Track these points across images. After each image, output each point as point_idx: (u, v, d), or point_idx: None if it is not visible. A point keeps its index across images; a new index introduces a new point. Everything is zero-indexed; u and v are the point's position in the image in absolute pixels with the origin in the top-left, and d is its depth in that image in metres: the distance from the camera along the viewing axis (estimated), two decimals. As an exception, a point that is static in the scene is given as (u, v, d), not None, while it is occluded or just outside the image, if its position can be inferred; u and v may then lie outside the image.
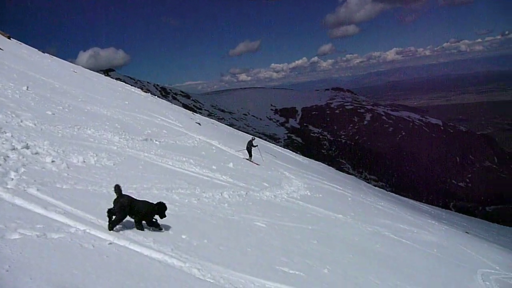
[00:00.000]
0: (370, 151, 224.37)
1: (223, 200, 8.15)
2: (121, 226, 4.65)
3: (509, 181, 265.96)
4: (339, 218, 11.68)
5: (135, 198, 4.85)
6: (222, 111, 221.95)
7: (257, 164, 18.40)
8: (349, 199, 19.07)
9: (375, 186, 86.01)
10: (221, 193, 8.55)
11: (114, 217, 4.52)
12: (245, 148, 19.84)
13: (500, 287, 10.48)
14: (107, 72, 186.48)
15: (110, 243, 4.11)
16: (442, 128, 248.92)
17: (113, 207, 4.56)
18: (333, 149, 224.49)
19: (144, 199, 5.14)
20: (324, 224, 9.67)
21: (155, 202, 5.06)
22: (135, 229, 4.77)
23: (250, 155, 19.44)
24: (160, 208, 5.04)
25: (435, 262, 10.55)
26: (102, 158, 7.76)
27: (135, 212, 4.75)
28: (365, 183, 59.38)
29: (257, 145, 20.30)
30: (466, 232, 31.89)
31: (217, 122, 40.37)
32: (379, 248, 9.30)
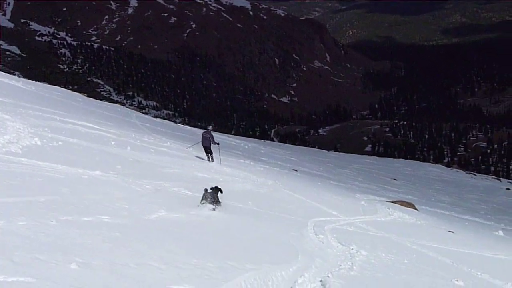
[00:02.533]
0: (143, 60, 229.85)
1: None
2: None
3: (349, 88, 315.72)
4: (97, 177, 11.88)
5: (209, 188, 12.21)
6: None
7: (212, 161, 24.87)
8: (112, 143, 19.42)
9: (156, 117, 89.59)
10: None
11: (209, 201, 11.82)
12: (202, 144, 24.73)
13: (338, 238, 12.67)
14: None
15: None
16: (251, 13, 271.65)
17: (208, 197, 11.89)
18: (80, 61, 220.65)
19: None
20: (70, 191, 9.69)
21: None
22: None
23: (209, 151, 24.93)
24: (219, 189, 12.44)
25: (248, 221, 11.92)
26: None
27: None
28: (139, 113, 61.18)
29: (218, 143, 25.38)
30: (294, 170, 37.15)
31: None
32: (165, 215, 9.93)
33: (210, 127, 26.06)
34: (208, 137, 24.54)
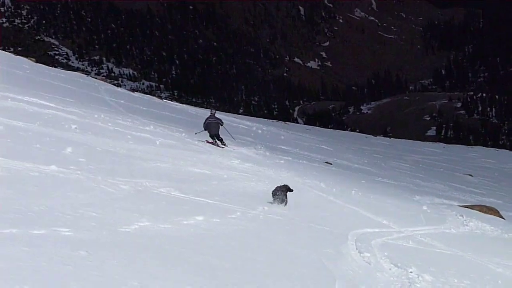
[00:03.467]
0: (115, 11, 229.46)
1: None
2: None
3: (404, 47, 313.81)
4: (52, 174, 11.90)
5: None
6: None
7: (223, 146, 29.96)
8: (74, 127, 19.37)
9: (134, 91, 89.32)
10: None
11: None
12: (209, 132, 29.87)
13: (390, 257, 12.59)
14: None
15: None
16: None
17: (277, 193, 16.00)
18: (25, 13, 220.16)
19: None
20: (14, 193, 9.57)
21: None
22: None
23: (219, 139, 30.09)
24: (288, 187, 16.39)
25: (265, 234, 11.85)
26: None
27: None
28: (110, 86, 61.11)
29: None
30: (327, 164, 37.10)
31: None
32: (148, 226, 9.83)
33: (214, 110, 31.21)
34: (216, 122, 29.63)
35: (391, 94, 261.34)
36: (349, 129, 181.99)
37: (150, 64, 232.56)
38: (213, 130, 29.37)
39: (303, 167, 30.07)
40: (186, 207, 12.22)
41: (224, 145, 29.82)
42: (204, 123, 30.16)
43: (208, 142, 29.53)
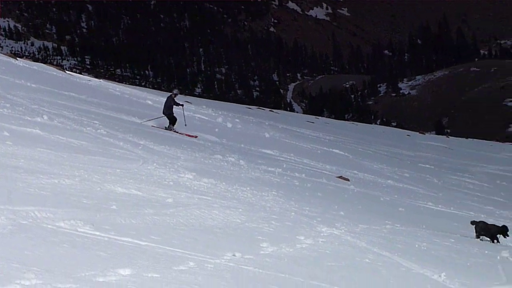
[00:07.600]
0: None
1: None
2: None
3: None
4: None
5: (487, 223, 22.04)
6: None
7: (179, 132, 31.94)
8: None
9: (15, 58, 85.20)
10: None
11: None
12: (163, 113, 32.60)
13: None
14: None
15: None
16: None
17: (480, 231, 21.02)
18: None
19: (492, 223, 21.64)
20: None
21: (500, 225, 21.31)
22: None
23: (173, 121, 32.27)
24: (503, 230, 20.35)
25: None
26: None
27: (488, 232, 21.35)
28: None
29: (182, 104, 33.61)
30: (341, 180, 29.78)
31: None
32: (42, 286, 7.35)
33: (176, 91, 33.99)
34: (169, 102, 32.31)
35: (449, 63, 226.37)
36: (378, 122, 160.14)
37: (43, 10, 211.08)
38: (164, 110, 32.27)
39: (301, 185, 24.49)
40: (103, 253, 9.39)
41: (170, 129, 32.32)
42: None
43: (176, 131, 32.20)
